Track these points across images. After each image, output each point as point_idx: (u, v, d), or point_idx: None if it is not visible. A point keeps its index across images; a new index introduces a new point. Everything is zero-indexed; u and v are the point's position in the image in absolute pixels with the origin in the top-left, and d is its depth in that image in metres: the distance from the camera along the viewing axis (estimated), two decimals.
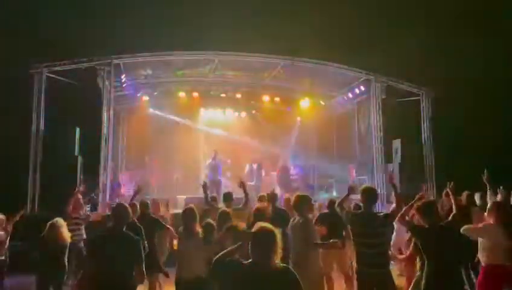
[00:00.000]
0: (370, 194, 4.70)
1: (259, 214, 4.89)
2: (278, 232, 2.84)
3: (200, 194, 12.60)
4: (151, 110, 14.76)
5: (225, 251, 3.04)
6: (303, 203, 5.14)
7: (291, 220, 5.23)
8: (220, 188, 12.27)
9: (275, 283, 2.71)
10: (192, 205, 4.99)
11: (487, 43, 13.81)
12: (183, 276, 4.63)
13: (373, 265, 4.40)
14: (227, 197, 6.62)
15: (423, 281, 4.10)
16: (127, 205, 4.23)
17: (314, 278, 4.72)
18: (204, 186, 6.61)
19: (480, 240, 4.61)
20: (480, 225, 4.68)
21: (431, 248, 4.11)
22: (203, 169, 13.73)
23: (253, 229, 2.87)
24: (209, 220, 4.90)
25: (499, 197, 6.22)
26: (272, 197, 6.37)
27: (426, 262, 4.13)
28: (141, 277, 3.91)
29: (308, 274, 4.41)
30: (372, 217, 4.62)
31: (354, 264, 4.70)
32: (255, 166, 13.37)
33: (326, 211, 6.82)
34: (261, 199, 6.60)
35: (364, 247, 4.46)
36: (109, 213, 7.44)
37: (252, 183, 13.15)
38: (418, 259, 4.97)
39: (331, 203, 6.60)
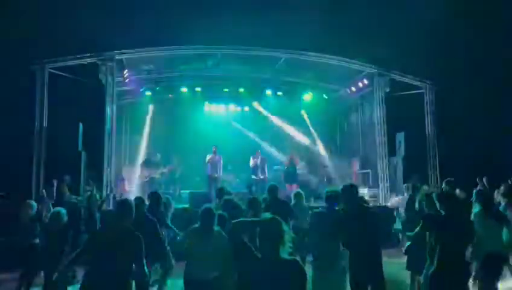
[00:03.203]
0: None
1: (253, 205, 4.93)
2: (284, 224, 2.83)
3: (203, 189, 12.78)
4: (153, 105, 14.77)
5: (244, 219, 3.01)
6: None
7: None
8: (218, 184, 12.33)
9: (282, 275, 2.72)
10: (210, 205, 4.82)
11: (490, 37, 13.71)
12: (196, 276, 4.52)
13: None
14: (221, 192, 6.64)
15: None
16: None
17: None
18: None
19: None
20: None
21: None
22: (205, 164, 13.71)
23: (260, 221, 2.87)
24: (221, 212, 4.87)
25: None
26: (272, 189, 6.40)
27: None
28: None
29: None
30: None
31: None
32: (259, 160, 13.35)
33: None
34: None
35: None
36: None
37: (257, 177, 13.17)
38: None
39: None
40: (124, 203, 4.05)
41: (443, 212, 4.38)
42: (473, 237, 4.36)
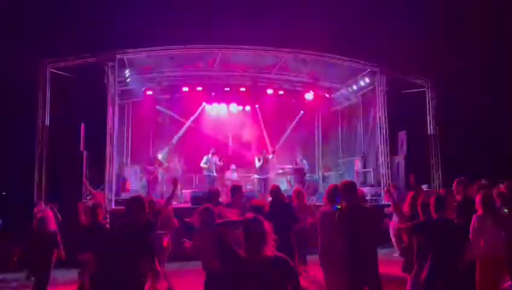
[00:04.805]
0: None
1: (255, 210, 4.92)
2: (267, 223, 2.83)
3: (205, 188, 12.79)
4: (155, 104, 14.78)
5: (226, 220, 3.01)
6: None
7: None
8: (215, 184, 12.40)
9: (268, 273, 2.71)
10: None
11: (492, 35, 13.65)
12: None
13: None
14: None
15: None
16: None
17: None
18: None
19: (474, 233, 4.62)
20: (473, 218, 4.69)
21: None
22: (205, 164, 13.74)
23: (242, 222, 2.88)
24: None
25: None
26: (275, 191, 6.37)
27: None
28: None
29: None
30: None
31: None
32: (262, 160, 13.34)
33: None
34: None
35: None
36: None
37: (259, 176, 13.17)
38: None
39: None
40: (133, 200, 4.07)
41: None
42: None
